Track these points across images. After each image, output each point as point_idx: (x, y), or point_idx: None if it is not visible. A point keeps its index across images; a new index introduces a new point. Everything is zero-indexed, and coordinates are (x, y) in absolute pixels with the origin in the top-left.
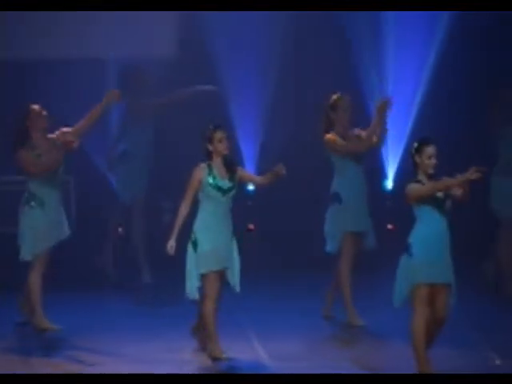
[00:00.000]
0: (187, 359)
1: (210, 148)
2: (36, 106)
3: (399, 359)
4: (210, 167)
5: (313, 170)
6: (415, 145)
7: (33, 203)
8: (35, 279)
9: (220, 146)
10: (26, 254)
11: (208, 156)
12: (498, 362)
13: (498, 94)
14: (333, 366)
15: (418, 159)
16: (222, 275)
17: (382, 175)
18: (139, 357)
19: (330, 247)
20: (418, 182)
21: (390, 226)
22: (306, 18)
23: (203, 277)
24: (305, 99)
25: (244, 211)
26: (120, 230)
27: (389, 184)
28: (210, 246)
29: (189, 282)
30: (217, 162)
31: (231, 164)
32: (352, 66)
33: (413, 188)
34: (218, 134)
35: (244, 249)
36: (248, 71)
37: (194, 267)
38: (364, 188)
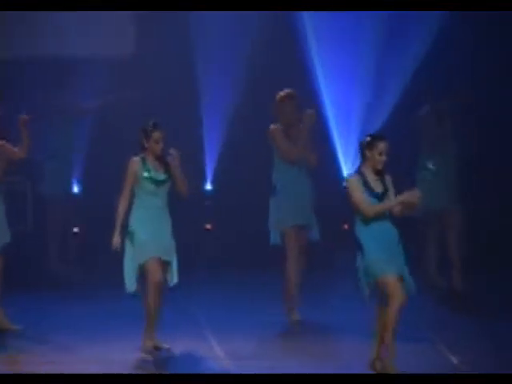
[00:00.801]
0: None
1: (146, 145)
2: None
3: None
4: (143, 161)
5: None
6: (368, 139)
7: None
8: None
9: (155, 147)
10: None
11: (142, 150)
12: (455, 361)
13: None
14: (286, 365)
15: (368, 153)
16: (162, 266)
17: (339, 175)
18: (94, 356)
19: (272, 239)
20: (361, 173)
21: (346, 226)
22: (271, 17)
23: (144, 267)
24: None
25: (201, 211)
26: (76, 229)
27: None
28: (147, 235)
29: (127, 275)
30: (150, 157)
31: (164, 158)
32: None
33: (355, 195)
34: (156, 135)
35: (201, 248)
36: (213, 70)
37: (131, 259)
38: (304, 181)
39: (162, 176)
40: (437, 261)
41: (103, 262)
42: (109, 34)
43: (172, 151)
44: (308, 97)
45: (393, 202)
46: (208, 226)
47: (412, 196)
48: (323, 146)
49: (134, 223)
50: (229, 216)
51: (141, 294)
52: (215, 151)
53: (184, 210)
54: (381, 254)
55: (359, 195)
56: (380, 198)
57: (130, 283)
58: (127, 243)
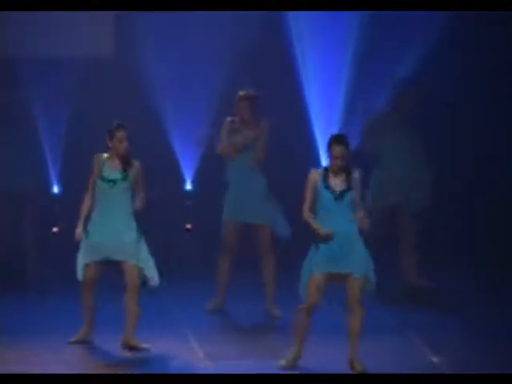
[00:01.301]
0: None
1: (110, 145)
2: None
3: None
4: (103, 159)
5: None
6: (328, 140)
7: None
8: None
9: (119, 146)
10: None
11: (107, 151)
12: (434, 359)
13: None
14: (269, 364)
15: (328, 154)
16: (99, 267)
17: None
18: (73, 355)
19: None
20: (325, 169)
21: None
22: (259, 17)
23: (85, 266)
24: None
25: (182, 211)
26: (55, 229)
27: None
28: (96, 236)
29: (78, 268)
30: (112, 156)
31: (127, 158)
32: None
33: (305, 191)
34: (120, 134)
35: (182, 248)
36: (183, 71)
37: (82, 256)
38: (254, 177)
39: (117, 175)
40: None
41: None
42: (102, 35)
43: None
44: (293, 94)
45: (314, 225)
46: (188, 226)
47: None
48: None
49: (90, 221)
50: (209, 216)
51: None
52: (195, 151)
53: (164, 210)
54: (326, 249)
55: (307, 194)
56: (337, 197)
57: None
58: (83, 238)
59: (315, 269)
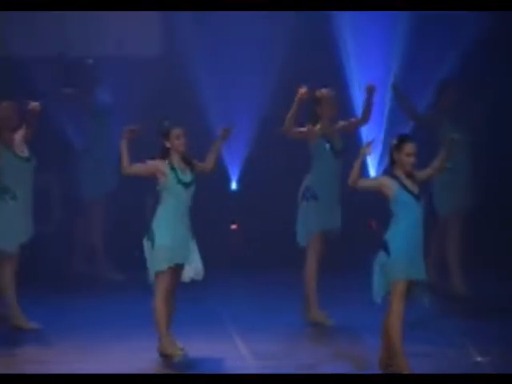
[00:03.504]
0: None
1: (168, 145)
2: (5, 103)
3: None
4: (170, 163)
5: (296, 169)
6: (394, 141)
7: (5, 196)
8: (9, 277)
9: (178, 143)
10: (7, 246)
11: (165, 153)
12: (478, 359)
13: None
14: (310, 364)
15: (396, 156)
16: (176, 271)
17: (365, 172)
18: (110, 356)
19: (299, 240)
20: (395, 177)
21: (372, 224)
22: (298, 17)
23: (157, 273)
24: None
25: (227, 211)
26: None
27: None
28: (168, 241)
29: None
30: (175, 157)
31: (189, 158)
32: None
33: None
34: (176, 131)
35: (227, 248)
36: (238, 70)
37: (150, 264)
38: (339, 183)
39: (188, 178)
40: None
41: (130, 263)
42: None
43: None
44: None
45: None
46: (233, 226)
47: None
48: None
49: (156, 227)
50: (254, 216)
51: None
52: (241, 150)
53: (210, 209)
54: (407, 256)
55: (371, 183)
56: (418, 198)
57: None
58: (148, 247)
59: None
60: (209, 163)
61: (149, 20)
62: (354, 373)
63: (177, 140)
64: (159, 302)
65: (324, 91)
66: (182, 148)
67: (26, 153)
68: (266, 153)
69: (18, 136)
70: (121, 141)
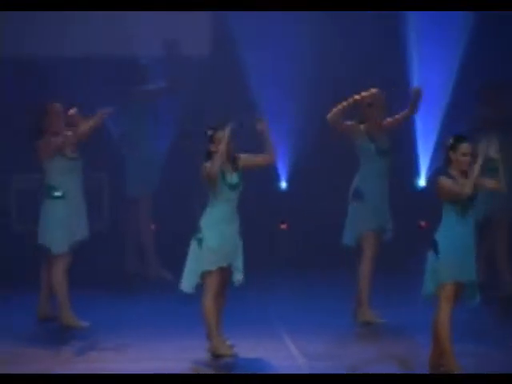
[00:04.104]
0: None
1: (213, 148)
2: (56, 104)
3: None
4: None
5: (345, 170)
6: (450, 141)
7: (55, 196)
8: (61, 276)
9: (222, 146)
10: (54, 247)
11: (211, 156)
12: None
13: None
14: (360, 364)
15: (452, 155)
16: (224, 271)
17: (414, 172)
18: (156, 355)
19: (348, 241)
20: (451, 177)
21: (422, 224)
22: (333, 18)
23: (205, 273)
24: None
25: (276, 210)
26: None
27: (421, 181)
28: (217, 242)
29: (188, 278)
30: (222, 157)
31: (234, 159)
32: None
33: (445, 183)
34: (219, 134)
35: (276, 248)
36: (278, 70)
37: (196, 263)
38: (387, 182)
39: (235, 179)
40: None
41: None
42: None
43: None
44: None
45: (476, 170)
46: (283, 226)
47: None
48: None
49: (206, 228)
50: (304, 215)
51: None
52: (291, 150)
53: (259, 209)
54: (456, 258)
55: (451, 185)
56: (466, 202)
57: (190, 287)
58: (194, 247)
59: (446, 277)
60: (269, 155)
61: (199, 20)
62: (404, 373)
63: (220, 144)
64: (208, 301)
65: (376, 93)
66: (227, 150)
67: (74, 153)
68: (316, 152)
69: (68, 136)
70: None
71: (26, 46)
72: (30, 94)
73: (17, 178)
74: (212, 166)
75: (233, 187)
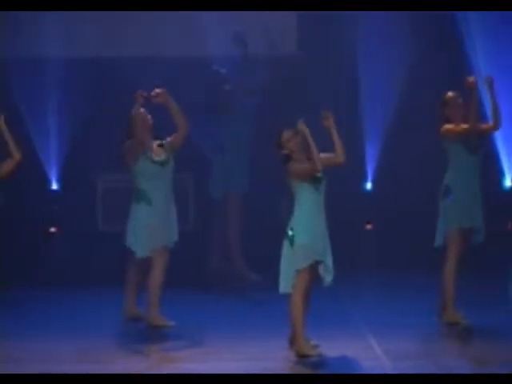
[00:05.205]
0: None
1: (286, 151)
2: (141, 111)
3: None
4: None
5: (431, 168)
6: None
7: (141, 200)
8: (162, 277)
9: (291, 146)
10: (140, 252)
11: (287, 160)
12: None
13: None
14: (448, 365)
15: None
16: (314, 269)
17: (500, 172)
18: (240, 355)
19: (437, 242)
20: None
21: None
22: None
23: (298, 271)
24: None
25: (361, 211)
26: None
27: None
28: (308, 239)
29: (284, 278)
30: (298, 157)
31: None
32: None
33: None
34: (285, 135)
35: (361, 248)
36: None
37: (290, 263)
38: (477, 181)
39: (318, 175)
40: None
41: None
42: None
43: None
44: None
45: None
46: (368, 226)
47: None
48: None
49: (295, 226)
50: (389, 216)
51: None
52: (376, 150)
53: (344, 209)
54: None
55: None
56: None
57: (287, 287)
58: (287, 246)
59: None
60: (336, 155)
61: (286, 19)
62: (488, 373)
63: (289, 143)
64: (298, 299)
65: (450, 94)
66: (297, 148)
67: (162, 156)
68: (402, 152)
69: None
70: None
71: (116, 46)
72: (114, 93)
73: (104, 177)
74: (313, 163)
75: (316, 185)
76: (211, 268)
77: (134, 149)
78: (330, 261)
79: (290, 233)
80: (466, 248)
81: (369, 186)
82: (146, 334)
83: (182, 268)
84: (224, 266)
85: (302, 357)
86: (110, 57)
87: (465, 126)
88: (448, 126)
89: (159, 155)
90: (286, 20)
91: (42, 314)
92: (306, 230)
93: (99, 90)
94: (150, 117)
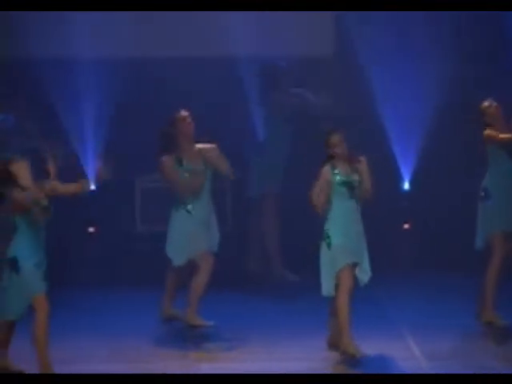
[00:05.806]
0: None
1: (330, 152)
2: (183, 113)
3: None
4: (333, 166)
5: (469, 170)
6: None
7: (179, 208)
8: (201, 279)
9: (338, 150)
10: (176, 260)
11: (329, 159)
12: None
13: None
14: (485, 365)
15: None
16: (353, 270)
17: None
18: (279, 355)
19: (478, 244)
20: None
21: None
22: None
23: (339, 272)
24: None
25: (399, 211)
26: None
27: None
28: (343, 240)
29: (325, 281)
30: (339, 162)
31: (351, 159)
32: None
33: None
34: (334, 139)
35: (399, 248)
36: (404, 71)
37: (329, 265)
38: None
39: (352, 178)
40: None
41: (304, 263)
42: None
43: (361, 158)
44: None
45: None
46: (406, 226)
47: None
48: None
49: (330, 228)
50: (427, 216)
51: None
52: (412, 151)
53: (382, 209)
54: None
55: None
56: None
57: (330, 289)
58: (324, 249)
59: None
60: (363, 192)
61: (320, 20)
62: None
63: (336, 147)
64: (343, 298)
65: (486, 103)
66: (342, 153)
67: (200, 164)
68: (440, 153)
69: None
70: None
71: (147, 46)
72: (152, 94)
73: (142, 178)
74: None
75: (350, 186)
76: (248, 268)
77: (168, 166)
78: (366, 262)
79: (326, 235)
80: (509, 251)
81: (406, 185)
82: (184, 335)
83: (219, 268)
84: (261, 266)
85: (349, 356)
86: (151, 57)
87: (507, 135)
88: (490, 133)
89: (197, 163)
90: (323, 22)
91: (81, 313)
92: (342, 231)
93: (138, 91)
94: (192, 124)
